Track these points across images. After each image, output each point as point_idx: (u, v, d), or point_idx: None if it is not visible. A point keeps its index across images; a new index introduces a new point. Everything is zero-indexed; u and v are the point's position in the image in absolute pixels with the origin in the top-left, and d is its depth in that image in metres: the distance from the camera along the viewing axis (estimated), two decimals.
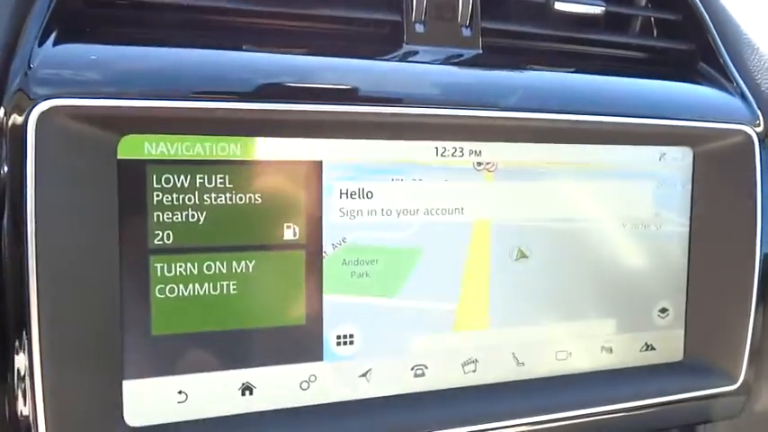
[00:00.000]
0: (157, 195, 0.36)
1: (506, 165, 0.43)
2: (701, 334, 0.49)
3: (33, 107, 0.32)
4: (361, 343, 0.41)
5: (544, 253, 0.45)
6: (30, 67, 0.33)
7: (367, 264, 0.41)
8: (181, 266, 0.37)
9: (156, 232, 0.36)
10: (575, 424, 0.45)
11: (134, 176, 0.36)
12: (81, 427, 0.35)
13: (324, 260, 0.40)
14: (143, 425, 0.37)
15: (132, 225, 0.36)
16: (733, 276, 0.48)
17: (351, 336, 0.41)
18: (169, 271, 0.37)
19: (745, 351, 0.48)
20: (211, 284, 0.38)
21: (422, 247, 0.42)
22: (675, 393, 0.47)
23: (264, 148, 0.38)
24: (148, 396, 0.37)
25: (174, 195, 0.37)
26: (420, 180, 0.41)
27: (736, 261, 0.48)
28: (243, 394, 0.39)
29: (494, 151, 0.43)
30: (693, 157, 0.48)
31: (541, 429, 0.44)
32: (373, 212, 0.41)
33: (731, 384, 0.48)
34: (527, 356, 0.45)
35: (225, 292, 0.38)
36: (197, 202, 0.37)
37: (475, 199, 0.43)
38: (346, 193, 0.40)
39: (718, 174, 0.48)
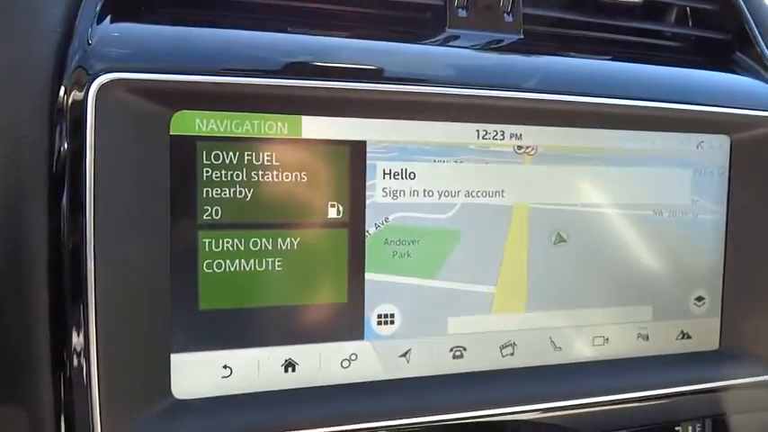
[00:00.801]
0: (207, 171, 0.37)
1: (546, 149, 0.44)
2: (738, 323, 0.49)
3: (93, 80, 0.33)
4: (402, 323, 0.41)
5: (582, 238, 0.45)
6: (89, 44, 0.34)
7: (408, 244, 0.41)
8: (228, 242, 0.38)
9: (206, 208, 0.37)
10: (610, 410, 0.45)
11: (185, 152, 0.36)
12: (132, 399, 0.36)
13: (366, 239, 0.40)
14: (189, 398, 0.37)
15: (183, 200, 0.37)
16: None
17: (391, 315, 0.41)
18: (217, 246, 0.38)
19: None
20: (257, 261, 0.38)
21: (462, 229, 0.42)
22: (710, 382, 0.47)
23: (310, 127, 0.38)
24: (195, 370, 0.37)
25: (223, 172, 0.37)
26: (461, 162, 0.42)
27: None
28: (286, 371, 0.39)
29: (534, 135, 0.43)
30: (731, 145, 0.48)
31: (577, 414, 0.44)
32: (415, 193, 0.41)
33: (766, 374, 0.48)
34: (564, 341, 0.45)
35: (270, 268, 0.39)
36: (245, 178, 0.38)
37: (515, 182, 0.43)
38: (389, 174, 0.40)
39: (755, 162, 0.48)
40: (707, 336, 0.49)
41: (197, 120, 0.36)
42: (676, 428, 0.50)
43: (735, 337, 0.49)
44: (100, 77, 0.33)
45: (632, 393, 0.45)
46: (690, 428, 0.50)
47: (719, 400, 0.48)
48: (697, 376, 0.47)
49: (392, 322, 0.41)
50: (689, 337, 0.49)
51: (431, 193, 0.41)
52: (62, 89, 0.34)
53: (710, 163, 0.48)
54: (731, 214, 0.49)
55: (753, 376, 0.48)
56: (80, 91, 0.33)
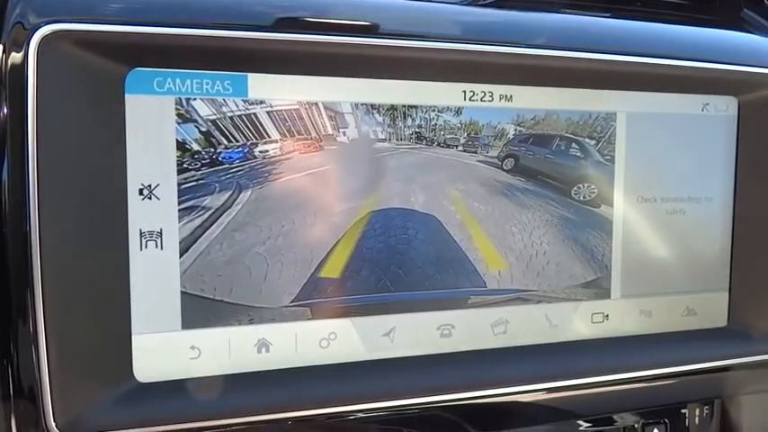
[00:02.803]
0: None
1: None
2: (747, 298, 0.46)
3: (33, 33, 0.30)
4: (385, 300, 0.39)
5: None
6: None
7: None
8: None
9: None
10: (610, 391, 0.42)
11: (143, 116, 0.33)
12: (88, 384, 0.33)
13: None
14: (153, 381, 0.35)
15: (140, 166, 0.34)
16: None
17: None
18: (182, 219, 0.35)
19: None
20: None
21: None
22: (718, 360, 0.44)
23: (281, 88, 0.36)
24: (159, 351, 0.35)
25: (187, 138, 0.34)
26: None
27: None
28: (259, 351, 0.37)
29: (526, 96, 0.40)
30: (738, 108, 0.45)
31: (575, 395, 0.41)
32: None
33: None
34: (560, 319, 0.42)
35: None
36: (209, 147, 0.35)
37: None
38: None
39: (764, 126, 0.45)
40: (714, 312, 0.46)
41: (156, 79, 0.34)
42: (683, 411, 0.47)
43: (744, 313, 0.46)
44: (40, 30, 0.30)
45: (634, 373, 0.42)
46: (697, 411, 0.47)
47: (728, 379, 0.45)
48: (704, 355, 0.44)
49: None
50: (695, 313, 0.46)
51: None
52: (0, 48, 0.31)
53: (717, 127, 0.45)
54: (739, 182, 0.45)
55: (763, 353, 0.45)
56: (19, 49, 0.30)
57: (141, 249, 0.34)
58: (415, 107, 0.38)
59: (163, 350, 0.35)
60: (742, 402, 0.49)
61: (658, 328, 0.45)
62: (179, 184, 0.34)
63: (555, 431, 0.42)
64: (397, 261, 0.38)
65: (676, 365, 0.43)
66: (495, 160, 0.40)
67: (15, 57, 0.30)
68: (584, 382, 0.41)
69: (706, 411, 0.48)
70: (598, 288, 0.43)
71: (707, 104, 0.44)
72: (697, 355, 0.44)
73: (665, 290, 0.45)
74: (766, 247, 0.45)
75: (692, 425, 0.47)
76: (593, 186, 0.42)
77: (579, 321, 0.43)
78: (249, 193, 0.36)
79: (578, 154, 0.42)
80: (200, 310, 0.35)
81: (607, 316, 0.43)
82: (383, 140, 0.38)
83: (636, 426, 0.45)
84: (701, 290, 0.46)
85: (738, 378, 0.45)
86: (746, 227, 0.45)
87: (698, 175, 0.45)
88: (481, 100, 0.39)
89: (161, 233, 0.34)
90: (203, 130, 0.35)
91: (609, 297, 0.43)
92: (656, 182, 0.44)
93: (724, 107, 0.45)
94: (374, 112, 0.37)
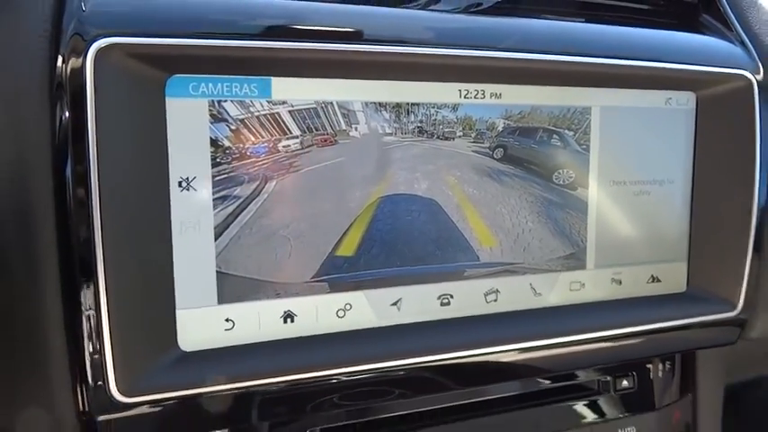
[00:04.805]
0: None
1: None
2: (703, 267, 0.52)
3: (90, 45, 0.34)
4: (393, 274, 0.44)
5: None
6: (83, 10, 0.35)
7: None
8: None
9: None
10: (586, 348, 0.48)
11: (181, 116, 0.38)
12: (142, 352, 0.37)
13: None
14: (195, 350, 0.39)
15: (179, 162, 0.38)
16: (733, 213, 0.52)
17: None
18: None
19: (743, 282, 0.51)
20: None
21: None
22: (679, 319, 0.51)
23: (301, 90, 0.40)
24: (199, 324, 0.40)
25: (220, 136, 0.39)
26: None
27: (736, 200, 0.51)
28: (285, 322, 0.42)
29: (513, 94, 0.45)
30: (697, 102, 0.51)
31: (556, 353, 0.47)
32: None
33: (730, 312, 0.52)
34: (543, 287, 0.48)
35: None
36: (240, 143, 0.39)
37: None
38: None
39: (719, 117, 0.51)
40: (675, 279, 0.53)
41: (191, 83, 0.38)
42: (648, 365, 0.53)
43: (701, 279, 0.52)
44: (98, 42, 0.34)
45: (606, 332, 0.48)
46: (660, 365, 0.54)
47: (687, 337, 0.52)
48: (666, 315, 0.50)
49: None
50: (658, 280, 0.52)
51: None
52: (59, 58, 0.34)
53: (678, 119, 0.51)
54: (698, 166, 0.52)
55: (717, 313, 0.52)
56: (78, 57, 0.34)
57: (182, 235, 0.39)
58: (418, 104, 0.43)
59: (202, 323, 0.40)
60: (698, 356, 0.56)
61: (627, 293, 0.51)
62: (213, 177, 0.39)
63: (539, 384, 0.49)
64: (402, 240, 0.44)
65: (642, 325, 0.49)
66: (487, 150, 0.46)
67: (75, 65, 0.34)
68: (563, 341, 0.47)
69: (668, 365, 0.54)
70: (575, 260, 0.49)
71: (670, 99, 0.50)
72: (660, 316, 0.50)
73: (632, 260, 0.51)
74: (719, 222, 0.52)
75: (656, 377, 0.54)
76: (571, 172, 0.48)
77: (559, 289, 0.49)
78: (274, 183, 0.40)
79: (558, 144, 0.48)
80: (233, 286, 0.40)
81: (583, 284, 0.50)
82: (390, 134, 0.43)
83: (608, 378, 0.51)
84: (663, 260, 0.52)
85: (695, 336, 0.52)
86: (703, 205, 0.52)
87: (662, 161, 0.51)
88: (474, 97, 0.44)
89: (198, 220, 0.39)
90: (233, 128, 0.39)
91: (584, 268, 0.49)
92: (626, 167, 0.49)
93: (684, 101, 0.51)
94: (382, 109, 0.42)
